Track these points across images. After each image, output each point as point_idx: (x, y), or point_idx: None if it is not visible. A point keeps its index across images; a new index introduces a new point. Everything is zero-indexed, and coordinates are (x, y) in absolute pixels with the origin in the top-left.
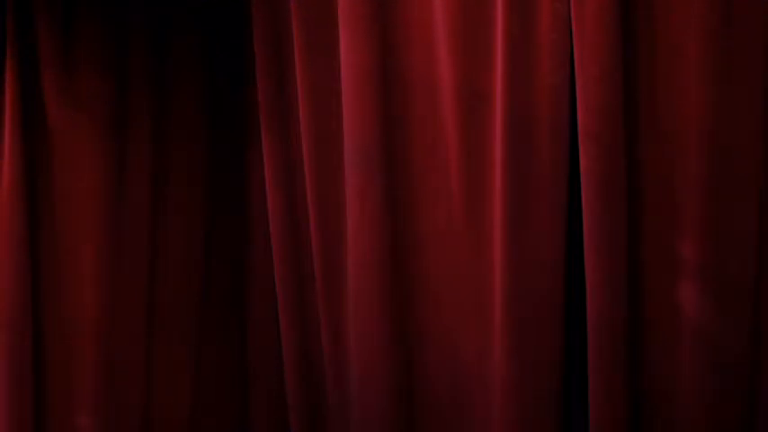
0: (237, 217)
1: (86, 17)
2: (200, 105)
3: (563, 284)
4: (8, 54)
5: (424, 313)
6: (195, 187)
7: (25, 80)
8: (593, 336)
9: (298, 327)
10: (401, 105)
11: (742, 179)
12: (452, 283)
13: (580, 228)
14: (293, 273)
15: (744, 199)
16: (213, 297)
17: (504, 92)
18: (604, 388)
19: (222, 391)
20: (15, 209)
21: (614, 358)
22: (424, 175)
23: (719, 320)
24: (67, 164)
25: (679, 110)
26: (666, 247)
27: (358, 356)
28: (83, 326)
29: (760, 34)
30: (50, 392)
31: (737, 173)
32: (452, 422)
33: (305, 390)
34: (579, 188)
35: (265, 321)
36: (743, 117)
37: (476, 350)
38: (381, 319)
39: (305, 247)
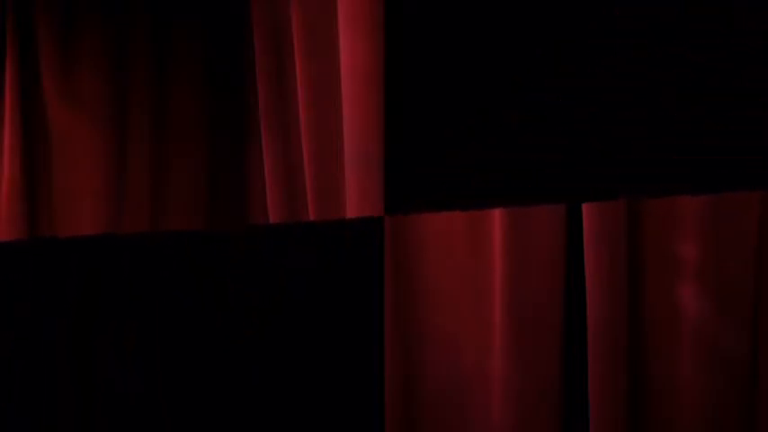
0: (237, 217)
1: (86, 17)
2: (200, 105)
3: (563, 285)
4: (8, 54)
5: (423, 313)
6: (195, 187)
7: (25, 80)
8: (593, 336)
9: None
10: None
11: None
12: (452, 282)
13: (580, 228)
14: None
15: (744, 199)
16: None
17: None
18: (604, 388)
19: None
20: (15, 209)
21: (614, 358)
22: None
23: (719, 320)
24: (67, 164)
25: None
26: (666, 247)
27: None
28: None
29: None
30: None
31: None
32: (452, 422)
33: None
34: None
35: None
36: None
37: (476, 350)
38: None
39: None
